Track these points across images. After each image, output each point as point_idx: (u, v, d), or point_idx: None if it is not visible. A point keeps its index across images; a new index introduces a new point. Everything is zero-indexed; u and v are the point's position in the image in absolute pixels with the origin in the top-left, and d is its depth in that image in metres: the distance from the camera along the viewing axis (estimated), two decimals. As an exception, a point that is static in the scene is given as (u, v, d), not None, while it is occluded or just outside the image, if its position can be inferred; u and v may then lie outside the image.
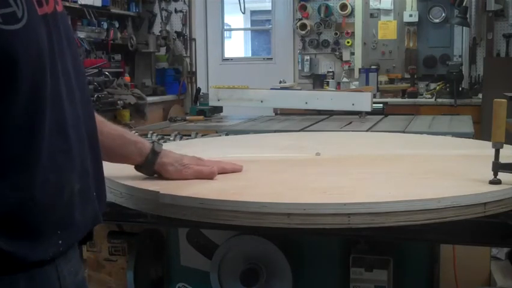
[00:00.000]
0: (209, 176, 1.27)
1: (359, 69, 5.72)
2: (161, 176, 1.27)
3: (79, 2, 5.45)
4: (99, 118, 1.15)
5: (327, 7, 6.05)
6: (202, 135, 2.38)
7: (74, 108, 0.92)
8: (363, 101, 3.19)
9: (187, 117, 3.42)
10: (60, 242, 0.88)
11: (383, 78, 5.81)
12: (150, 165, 1.26)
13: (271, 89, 3.99)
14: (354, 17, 6.01)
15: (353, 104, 3.19)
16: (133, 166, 1.29)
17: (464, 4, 5.28)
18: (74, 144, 0.91)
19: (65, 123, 0.89)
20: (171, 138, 2.32)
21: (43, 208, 0.85)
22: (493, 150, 1.18)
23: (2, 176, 0.81)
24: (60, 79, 0.89)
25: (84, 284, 1.01)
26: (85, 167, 0.94)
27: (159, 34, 6.41)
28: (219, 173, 1.29)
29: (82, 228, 0.94)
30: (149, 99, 5.60)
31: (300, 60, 6.24)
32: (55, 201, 0.87)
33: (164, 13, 6.53)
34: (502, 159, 1.17)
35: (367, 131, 2.66)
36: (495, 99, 1.18)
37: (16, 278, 0.84)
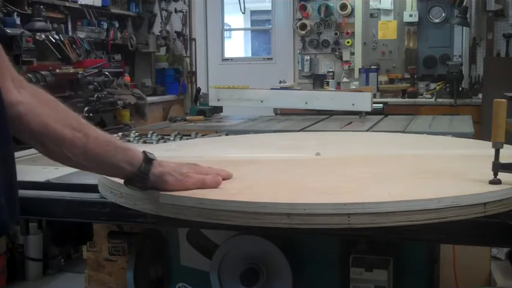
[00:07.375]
0: (213, 185, 1.17)
1: (359, 69, 5.72)
2: (157, 189, 1.14)
3: (79, 2, 5.46)
4: (82, 120, 1.07)
5: (327, 7, 6.05)
6: (202, 135, 2.38)
7: None
8: (363, 101, 3.19)
9: (187, 117, 3.42)
10: None
11: (383, 78, 5.81)
12: (144, 176, 1.12)
13: (271, 89, 3.98)
14: (354, 17, 6.01)
15: (353, 104, 3.18)
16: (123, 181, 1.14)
17: (464, 4, 5.27)
18: None
19: None
20: (171, 138, 2.31)
21: None
22: (493, 150, 1.18)
23: None
24: None
25: None
26: None
27: (159, 34, 6.42)
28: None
29: None
30: (149, 99, 5.61)
31: (300, 60, 6.24)
32: None
33: (164, 13, 6.53)
34: (502, 159, 1.17)
35: (367, 131, 2.66)
36: (495, 99, 1.17)
37: None
